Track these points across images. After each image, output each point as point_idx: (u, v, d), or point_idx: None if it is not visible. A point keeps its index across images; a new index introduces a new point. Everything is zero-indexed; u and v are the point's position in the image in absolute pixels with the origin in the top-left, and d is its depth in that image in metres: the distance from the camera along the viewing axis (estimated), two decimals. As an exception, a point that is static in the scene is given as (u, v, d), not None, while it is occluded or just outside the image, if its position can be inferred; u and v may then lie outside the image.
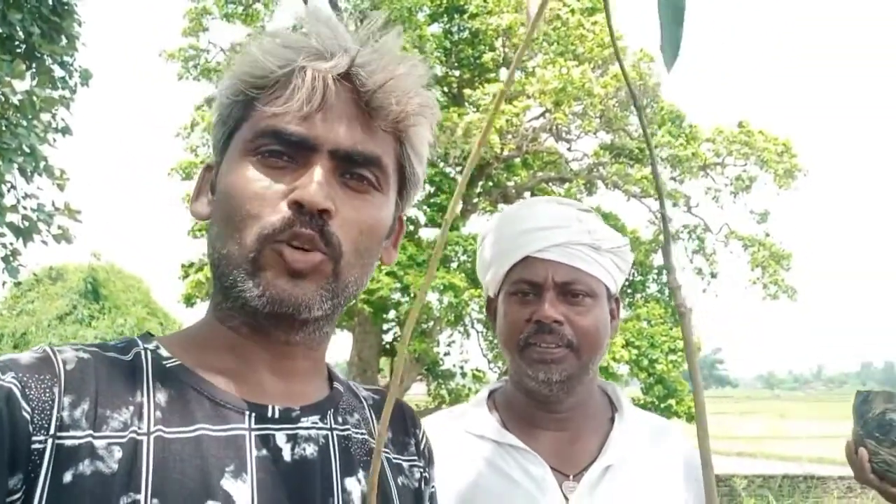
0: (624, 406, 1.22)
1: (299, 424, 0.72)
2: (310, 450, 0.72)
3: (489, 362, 12.02)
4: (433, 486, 0.87)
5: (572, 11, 10.30)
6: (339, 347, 12.37)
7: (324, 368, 0.81)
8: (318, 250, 0.70)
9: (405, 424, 0.87)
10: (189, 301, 11.06)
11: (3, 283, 5.16)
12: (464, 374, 12.54)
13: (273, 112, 0.70)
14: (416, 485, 0.83)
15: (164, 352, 0.72)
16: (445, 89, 11.42)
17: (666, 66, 0.50)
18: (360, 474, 0.74)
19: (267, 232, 0.69)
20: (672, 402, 10.54)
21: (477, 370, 12.49)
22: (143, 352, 0.71)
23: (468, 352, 12.35)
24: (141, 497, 0.61)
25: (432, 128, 0.79)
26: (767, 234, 11.63)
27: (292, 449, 0.70)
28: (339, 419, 0.77)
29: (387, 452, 0.81)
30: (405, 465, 0.83)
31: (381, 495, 0.76)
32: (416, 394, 15.73)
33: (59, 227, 5.09)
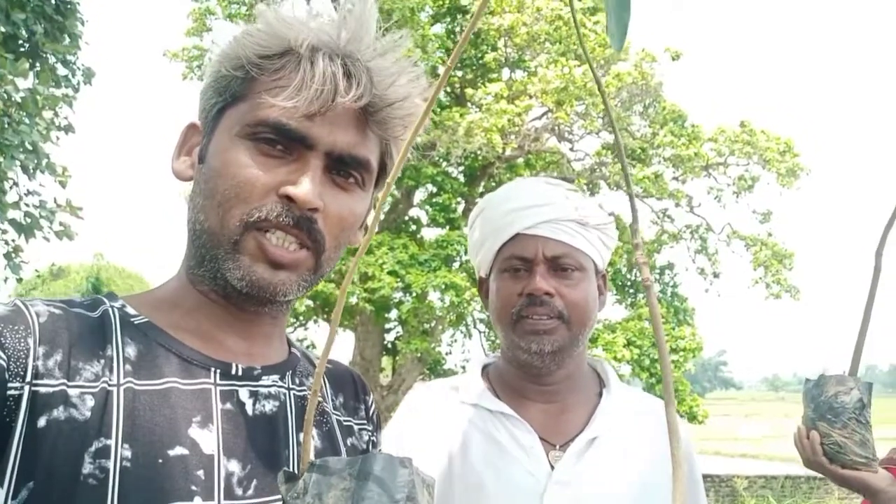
0: (612, 382, 1.25)
1: (260, 382, 0.76)
2: (269, 406, 0.76)
3: (491, 362, 12.00)
4: (380, 449, 0.91)
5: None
6: (342, 347, 12.41)
7: (284, 334, 0.85)
8: (303, 246, 0.74)
9: (356, 391, 0.91)
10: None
11: (6, 280, 5.20)
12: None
13: (277, 105, 0.71)
14: (365, 446, 0.87)
15: (130, 310, 0.74)
16: (448, 89, 11.42)
17: (614, 46, 0.57)
18: (313, 431, 0.78)
19: (252, 219, 0.71)
20: (674, 401, 10.52)
21: (479, 370, 12.47)
22: (110, 309, 0.73)
23: (470, 351, 12.36)
24: (112, 442, 0.64)
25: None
26: (770, 234, 11.61)
27: (254, 404, 0.74)
28: (296, 381, 0.81)
29: (337, 415, 0.85)
30: (355, 427, 0.87)
31: (331, 453, 0.80)
32: (419, 393, 15.71)
33: (61, 224, 5.13)
